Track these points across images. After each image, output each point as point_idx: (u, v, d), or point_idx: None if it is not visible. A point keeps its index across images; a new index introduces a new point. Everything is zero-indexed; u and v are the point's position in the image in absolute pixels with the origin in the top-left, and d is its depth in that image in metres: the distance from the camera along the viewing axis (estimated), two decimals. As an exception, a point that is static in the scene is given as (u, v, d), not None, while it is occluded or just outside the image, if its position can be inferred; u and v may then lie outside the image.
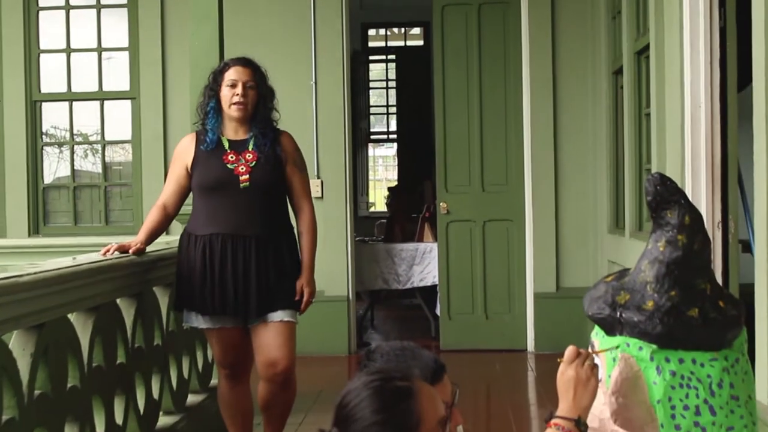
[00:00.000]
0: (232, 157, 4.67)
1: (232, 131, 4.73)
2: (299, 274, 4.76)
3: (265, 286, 4.63)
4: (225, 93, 4.69)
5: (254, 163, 4.66)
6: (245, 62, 4.77)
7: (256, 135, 4.70)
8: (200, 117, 4.78)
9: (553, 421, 2.13)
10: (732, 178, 5.15)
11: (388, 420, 2.16)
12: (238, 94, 4.65)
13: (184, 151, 4.78)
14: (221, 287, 4.61)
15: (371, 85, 14.43)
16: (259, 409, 4.83)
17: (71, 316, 4.00)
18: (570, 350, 2.23)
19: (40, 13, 8.82)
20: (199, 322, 4.72)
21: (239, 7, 7.74)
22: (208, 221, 4.67)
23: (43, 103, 8.88)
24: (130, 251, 4.56)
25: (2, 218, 8.54)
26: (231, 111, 4.68)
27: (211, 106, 4.72)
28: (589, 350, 2.35)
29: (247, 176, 4.64)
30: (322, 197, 8.23)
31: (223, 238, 4.62)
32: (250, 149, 4.69)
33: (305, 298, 4.71)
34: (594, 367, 2.20)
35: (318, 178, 8.30)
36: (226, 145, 4.70)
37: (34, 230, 8.69)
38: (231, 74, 4.70)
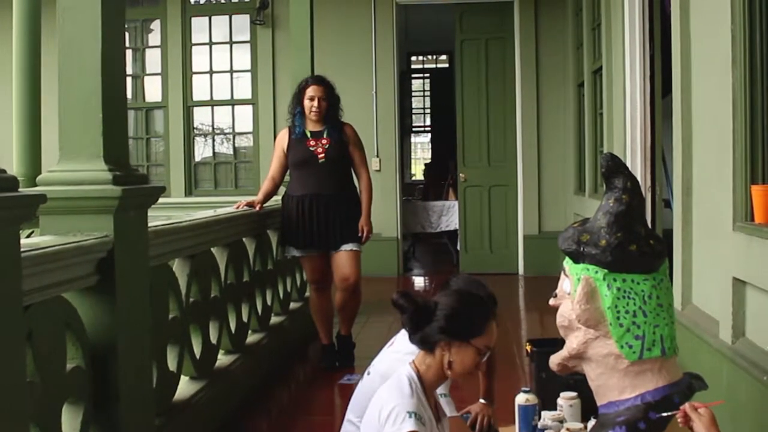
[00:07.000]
0: (312, 143, 4.69)
1: (312, 125, 4.74)
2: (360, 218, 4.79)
3: (338, 227, 4.67)
4: (306, 103, 4.70)
5: (328, 146, 4.69)
6: (319, 81, 4.78)
7: (328, 128, 4.72)
8: (290, 117, 4.80)
9: None
10: (658, 157, 5.17)
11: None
12: (315, 106, 4.67)
13: (282, 140, 4.83)
14: (309, 229, 4.67)
15: (413, 94, 14.31)
16: (336, 311, 4.87)
17: (213, 249, 4.03)
18: None
19: (193, 47, 8.83)
20: (296, 252, 4.77)
21: (324, 42, 7.65)
22: (299, 186, 4.72)
23: (194, 108, 8.90)
24: (256, 207, 4.67)
25: (168, 183, 8.61)
26: (311, 116, 4.71)
27: (297, 111, 4.75)
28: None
29: (324, 155, 4.68)
30: (380, 170, 8.21)
31: (310, 196, 4.66)
32: (324, 137, 4.70)
33: (365, 234, 4.73)
34: None
35: (377, 156, 8.28)
36: (309, 135, 4.71)
37: (188, 192, 8.76)
38: (310, 91, 4.71)
